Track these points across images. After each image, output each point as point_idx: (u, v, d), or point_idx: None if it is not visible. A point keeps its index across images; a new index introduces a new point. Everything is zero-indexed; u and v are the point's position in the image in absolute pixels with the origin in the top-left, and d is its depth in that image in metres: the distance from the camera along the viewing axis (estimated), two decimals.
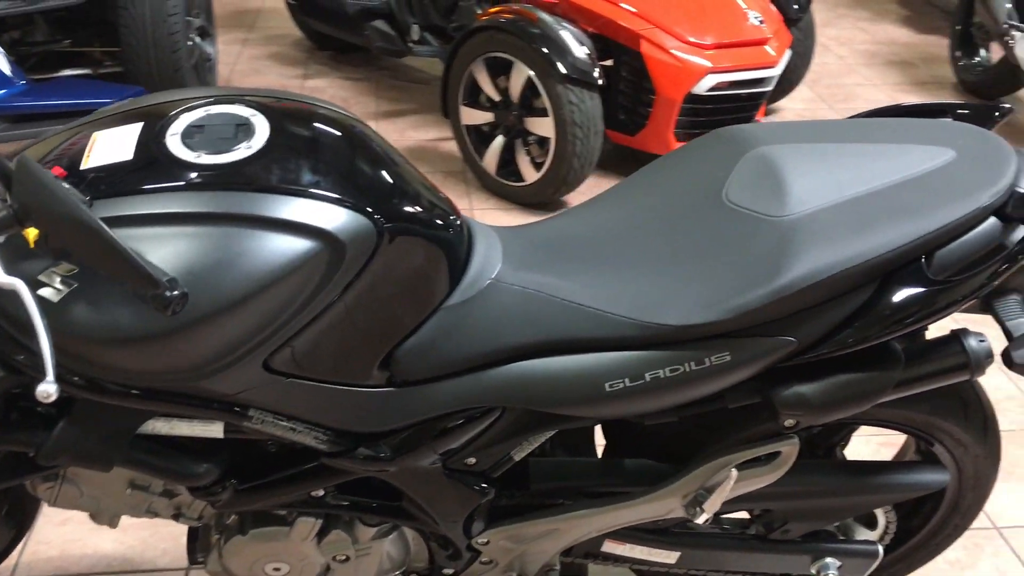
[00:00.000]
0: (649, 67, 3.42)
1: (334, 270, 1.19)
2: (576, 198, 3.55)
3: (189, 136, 1.21)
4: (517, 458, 1.45)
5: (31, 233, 1.02)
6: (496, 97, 3.46)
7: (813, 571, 1.66)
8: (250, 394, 1.25)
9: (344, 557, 1.51)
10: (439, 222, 1.30)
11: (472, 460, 1.42)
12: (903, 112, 1.53)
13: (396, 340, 1.29)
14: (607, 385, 1.31)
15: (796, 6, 3.98)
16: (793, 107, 4.41)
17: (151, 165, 1.18)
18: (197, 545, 1.58)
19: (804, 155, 1.35)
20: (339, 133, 1.30)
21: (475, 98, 3.54)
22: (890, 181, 1.29)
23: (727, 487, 1.44)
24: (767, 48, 3.53)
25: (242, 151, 1.20)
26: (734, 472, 1.44)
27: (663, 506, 1.49)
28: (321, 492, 1.43)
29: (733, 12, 3.55)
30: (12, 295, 1.07)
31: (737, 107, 3.59)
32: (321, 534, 1.49)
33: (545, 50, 3.20)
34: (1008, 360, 1.29)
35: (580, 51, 3.22)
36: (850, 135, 1.39)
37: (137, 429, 1.29)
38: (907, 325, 1.26)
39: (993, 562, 2.07)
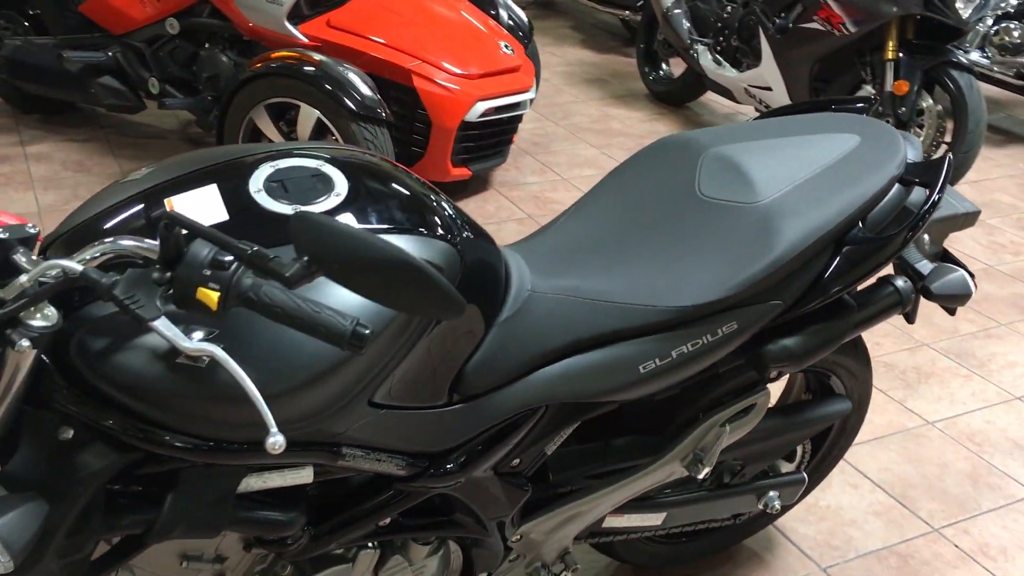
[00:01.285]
0: (424, 100, 3.60)
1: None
2: None
3: (272, 191, 1.23)
4: (548, 453, 1.59)
5: (213, 296, 1.01)
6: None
7: (760, 506, 1.94)
8: (351, 431, 1.29)
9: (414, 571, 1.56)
10: (489, 243, 1.41)
11: (517, 461, 1.54)
12: (796, 110, 1.85)
13: (465, 358, 1.38)
14: (641, 367, 1.49)
15: (521, 33, 4.35)
16: (525, 127, 4.79)
17: (255, 222, 1.19)
18: None
19: (752, 151, 1.62)
20: (393, 173, 1.37)
21: None
22: (824, 164, 1.60)
23: (723, 442, 1.68)
24: (521, 74, 3.85)
25: (332, 199, 1.25)
26: (728, 427, 1.68)
27: (666, 471, 1.69)
28: (387, 520, 1.47)
29: (487, 43, 3.83)
30: (150, 365, 1.06)
31: (501, 130, 3.88)
32: (380, 563, 1.53)
33: (333, 90, 3.28)
34: (927, 292, 1.65)
35: (366, 88, 3.34)
36: (772, 132, 1.69)
37: (237, 488, 1.27)
38: (861, 278, 1.57)
39: (842, 477, 2.50)
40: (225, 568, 1.47)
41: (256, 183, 1.25)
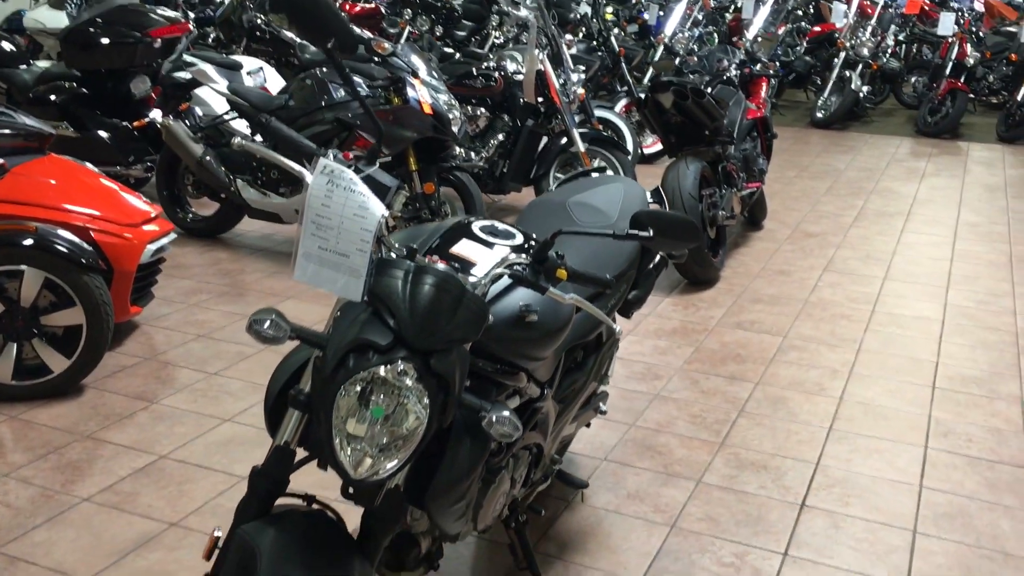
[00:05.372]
0: (106, 251, 4.02)
1: None
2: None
3: (489, 234, 2.19)
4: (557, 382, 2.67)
5: (564, 273, 1.99)
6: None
7: (597, 413, 3.19)
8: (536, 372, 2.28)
9: (523, 473, 2.48)
10: None
11: (556, 388, 2.60)
12: (576, 177, 3.16)
13: None
14: (606, 313, 2.69)
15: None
16: None
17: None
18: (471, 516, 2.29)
19: (591, 197, 2.91)
20: None
21: None
22: (621, 199, 2.96)
23: (613, 363, 2.92)
24: (162, 219, 4.45)
25: (519, 238, 2.24)
26: (612, 352, 2.92)
27: (590, 388, 2.87)
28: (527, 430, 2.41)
29: (130, 196, 4.35)
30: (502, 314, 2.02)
31: (156, 269, 4.42)
32: (520, 462, 2.44)
33: (61, 249, 3.62)
34: (670, 255, 3.10)
35: (83, 244, 3.72)
36: (584, 187, 2.99)
37: None
38: (655, 255, 2.97)
39: None
40: None
41: (478, 232, 2.18)
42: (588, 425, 3.33)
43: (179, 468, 3.32)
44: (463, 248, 2.14)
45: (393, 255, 1.93)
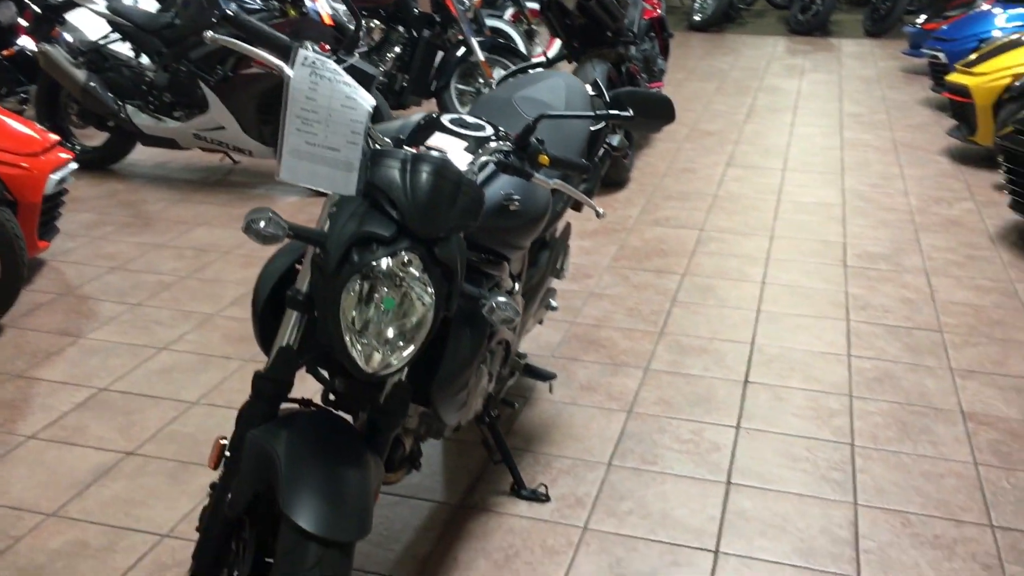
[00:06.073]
0: (7, 183, 3.78)
1: None
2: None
3: (460, 126, 2.16)
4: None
5: (546, 158, 1.99)
6: None
7: (549, 308, 3.23)
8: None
9: (497, 369, 2.51)
10: None
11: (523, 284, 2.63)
12: (516, 73, 3.12)
13: None
14: (558, 207, 2.70)
15: None
16: None
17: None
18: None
19: (536, 91, 2.89)
20: None
21: None
22: (564, 90, 2.95)
23: (568, 255, 2.95)
24: (61, 148, 4.20)
25: (489, 130, 2.22)
26: (566, 245, 2.95)
27: (548, 281, 2.90)
28: None
29: (25, 127, 4.09)
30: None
31: (60, 201, 4.19)
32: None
33: None
34: (612, 147, 3.12)
35: None
36: (526, 83, 2.96)
37: None
38: (602, 145, 2.98)
39: None
40: None
41: (448, 125, 2.15)
42: (541, 322, 3.37)
43: (123, 399, 3.22)
44: (438, 141, 2.11)
45: (379, 147, 1.89)
